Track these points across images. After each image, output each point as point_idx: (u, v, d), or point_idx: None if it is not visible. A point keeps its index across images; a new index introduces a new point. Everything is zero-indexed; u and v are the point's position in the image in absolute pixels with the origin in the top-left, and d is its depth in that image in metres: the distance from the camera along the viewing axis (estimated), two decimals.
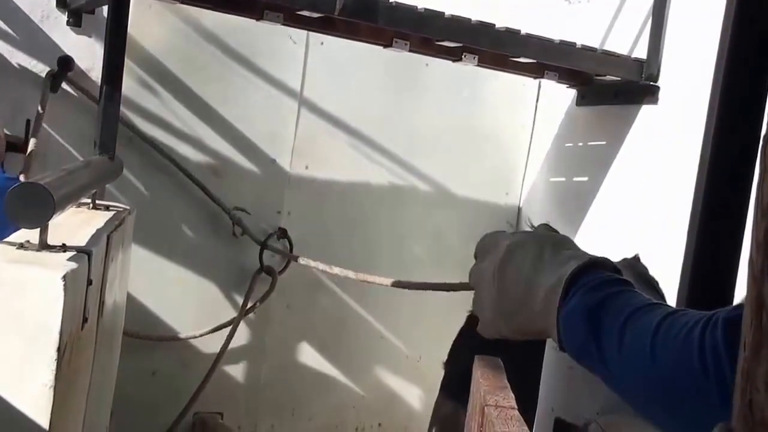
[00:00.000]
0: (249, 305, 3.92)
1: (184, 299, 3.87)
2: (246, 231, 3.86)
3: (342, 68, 4.03)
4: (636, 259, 2.70)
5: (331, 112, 4.06)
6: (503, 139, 4.46)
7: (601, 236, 3.95)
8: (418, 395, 4.38)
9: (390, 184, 4.23)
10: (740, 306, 0.82)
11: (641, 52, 3.71)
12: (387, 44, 3.45)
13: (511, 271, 1.08)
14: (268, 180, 3.96)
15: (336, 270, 3.32)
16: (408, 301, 4.12)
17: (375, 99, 4.15)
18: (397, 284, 3.14)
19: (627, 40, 3.88)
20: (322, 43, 3.92)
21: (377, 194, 4.20)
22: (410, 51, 3.49)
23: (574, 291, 1.00)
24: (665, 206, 3.45)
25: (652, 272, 2.74)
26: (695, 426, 0.81)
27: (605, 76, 3.83)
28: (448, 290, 2.82)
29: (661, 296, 1.52)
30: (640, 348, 0.90)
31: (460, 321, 2.76)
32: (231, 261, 3.93)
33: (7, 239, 1.74)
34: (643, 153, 3.73)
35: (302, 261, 3.59)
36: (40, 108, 3.24)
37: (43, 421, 1.47)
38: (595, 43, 3.85)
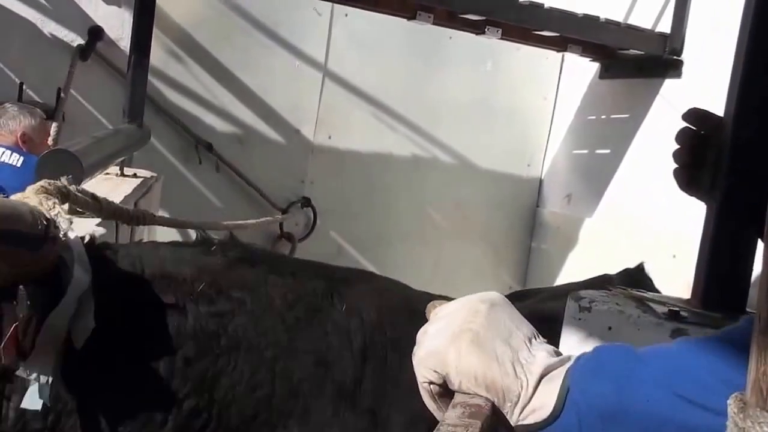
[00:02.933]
0: None
1: None
2: (265, 197, 3.91)
3: (366, 40, 4.04)
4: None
5: (355, 83, 4.08)
6: (526, 111, 4.46)
7: (623, 208, 3.97)
8: None
9: (412, 155, 4.25)
10: None
11: (665, 27, 3.70)
12: (411, 16, 3.45)
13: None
14: (292, 149, 3.99)
15: None
16: (429, 270, 4.16)
17: (398, 71, 4.16)
18: None
19: (651, 13, 3.86)
20: (346, 15, 3.93)
21: (399, 164, 4.23)
22: (434, 24, 3.50)
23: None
24: None
25: (668, 254, 2.73)
26: None
27: (629, 49, 3.82)
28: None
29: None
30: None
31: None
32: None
33: None
34: (666, 127, 3.72)
35: None
36: (68, 78, 3.27)
37: None
38: (618, 17, 3.83)
